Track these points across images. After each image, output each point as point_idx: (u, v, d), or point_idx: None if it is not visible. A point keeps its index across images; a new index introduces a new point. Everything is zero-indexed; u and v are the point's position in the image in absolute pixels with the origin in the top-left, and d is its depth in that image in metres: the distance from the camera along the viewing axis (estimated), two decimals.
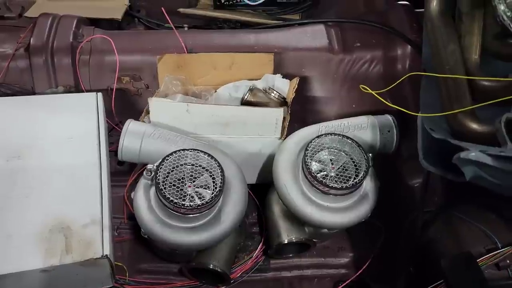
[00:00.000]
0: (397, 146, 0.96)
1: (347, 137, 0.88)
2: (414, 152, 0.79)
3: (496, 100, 0.67)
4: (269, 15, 1.38)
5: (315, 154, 0.87)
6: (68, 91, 1.03)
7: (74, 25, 1.08)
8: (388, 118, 0.97)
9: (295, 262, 1.02)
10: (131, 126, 0.91)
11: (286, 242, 0.94)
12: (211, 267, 0.89)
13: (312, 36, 1.16)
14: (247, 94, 1.02)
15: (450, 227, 0.88)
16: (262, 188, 1.05)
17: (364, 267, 0.98)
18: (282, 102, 1.02)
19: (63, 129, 0.89)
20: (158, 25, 1.28)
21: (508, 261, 0.82)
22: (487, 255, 0.82)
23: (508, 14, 0.67)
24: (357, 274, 0.99)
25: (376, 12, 1.23)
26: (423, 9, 0.87)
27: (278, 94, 1.02)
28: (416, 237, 0.91)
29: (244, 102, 1.02)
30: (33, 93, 1.03)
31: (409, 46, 1.10)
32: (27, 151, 0.85)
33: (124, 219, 1.01)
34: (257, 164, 1.01)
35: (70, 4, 1.22)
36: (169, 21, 1.16)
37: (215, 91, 1.08)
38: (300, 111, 1.12)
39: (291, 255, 1.02)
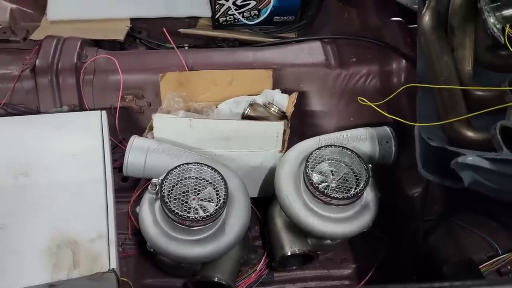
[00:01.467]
0: (396, 156, 0.98)
1: (347, 149, 0.90)
2: (413, 161, 0.81)
3: (490, 109, 0.70)
4: (266, 33, 1.42)
5: (316, 165, 0.89)
6: (72, 110, 1.05)
7: (78, 46, 1.11)
8: (386, 129, 0.99)
9: (298, 275, 1.03)
10: (135, 142, 0.93)
11: (289, 254, 0.95)
12: (216, 280, 0.89)
13: (309, 52, 1.19)
14: (248, 109, 1.05)
15: (451, 235, 0.90)
16: (264, 202, 1.06)
17: (367, 277, 0.99)
18: (282, 116, 1.05)
19: (69, 146, 0.91)
20: (158, 45, 1.31)
21: (509, 267, 0.83)
22: (489, 262, 0.84)
23: (498, 26, 0.70)
24: (361, 284, 0.99)
25: (371, 28, 1.26)
26: (415, 25, 0.91)
27: (278, 108, 1.05)
28: (417, 245, 0.92)
29: (245, 117, 1.05)
30: (38, 113, 1.05)
31: (404, 60, 1.13)
32: (34, 168, 0.86)
33: (129, 234, 1.01)
34: (258, 177, 1.03)
35: (73, 26, 1.25)
36: (171, 40, 1.19)
37: (216, 107, 1.10)
38: (299, 125, 1.14)
39: (294, 267, 1.03)
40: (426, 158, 0.78)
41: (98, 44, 1.22)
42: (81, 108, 1.08)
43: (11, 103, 1.04)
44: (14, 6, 1.31)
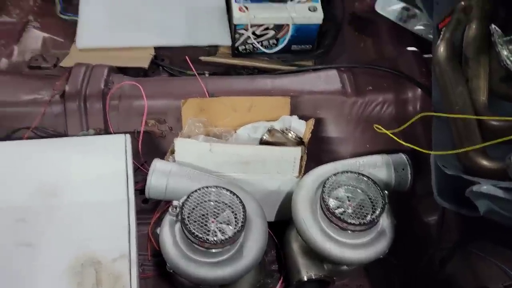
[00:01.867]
0: (411, 183, 0.99)
1: (363, 175, 0.92)
2: (429, 189, 0.82)
3: (505, 139, 0.71)
4: (284, 61, 1.46)
5: (332, 191, 0.90)
6: (98, 133, 1.10)
7: (105, 74, 1.16)
8: (402, 156, 1.01)
9: None
10: (158, 165, 0.96)
11: (305, 279, 0.95)
12: None
13: (326, 80, 1.22)
14: (266, 134, 1.08)
15: (468, 264, 0.89)
16: (280, 226, 1.07)
17: None
18: (299, 142, 1.07)
19: (94, 168, 0.95)
20: (180, 72, 1.36)
21: None
22: None
23: (511, 59, 0.72)
24: None
25: (386, 58, 1.30)
26: (430, 55, 0.93)
27: (295, 134, 1.08)
28: (434, 273, 0.92)
29: (263, 142, 1.08)
30: (66, 136, 1.10)
31: (419, 89, 1.15)
32: (61, 189, 0.90)
33: (148, 256, 1.04)
34: (275, 202, 1.05)
35: (100, 54, 1.31)
36: (192, 68, 1.24)
37: (235, 132, 1.14)
38: (316, 151, 1.16)
39: None
40: (441, 186, 0.80)
41: (124, 71, 1.27)
42: (106, 131, 1.12)
43: (40, 127, 1.09)
44: (46, 35, 1.40)
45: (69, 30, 1.40)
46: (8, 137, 1.08)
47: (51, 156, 0.98)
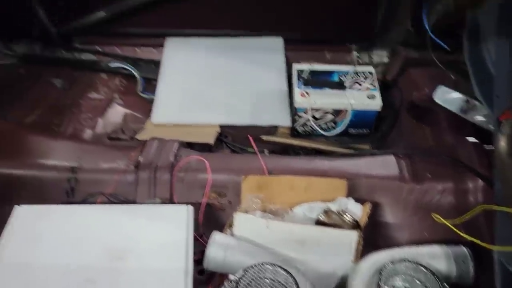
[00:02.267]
0: (474, 278, 0.95)
1: (422, 266, 0.90)
2: (493, 284, 0.79)
3: None
4: (341, 144, 1.51)
5: (389, 279, 0.89)
6: (163, 202, 1.18)
7: (175, 148, 1.26)
8: (463, 249, 0.98)
9: None
10: (217, 238, 1.01)
11: None
12: None
13: (383, 165, 1.24)
14: (322, 215, 1.10)
15: None
16: None
17: None
18: (355, 225, 1.08)
19: (158, 235, 1.01)
20: (241, 149, 1.45)
21: None
22: None
23: None
24: None
25: (445, 146, 1.30)
26: (491, 146, 0.94)
27: (351, 217, 1.09)
28: None
29: (319, 223, 1.09)
30: (134, 203, 1.18)
31: (480, 180, 1.13)
32: (127, 253, 0.97)
33: None
34: (329, 285, 1.04)
35: (172, 129, 1.44)
36: (254, 146, 1.32)
37: (291, 210, 1.17)
38: (372, 235, 1.15)
39: None
40: (506, 283, 0.76)
41: (191, 145, 1.38)
42: (171, 201, 1.19)
43: (113, 193, 1.19)
44: (128, 111, 1.58)
45: (147, 107, 1.56)
46: (83, 201, 1.18)
47: (120, 221, 1.06)
